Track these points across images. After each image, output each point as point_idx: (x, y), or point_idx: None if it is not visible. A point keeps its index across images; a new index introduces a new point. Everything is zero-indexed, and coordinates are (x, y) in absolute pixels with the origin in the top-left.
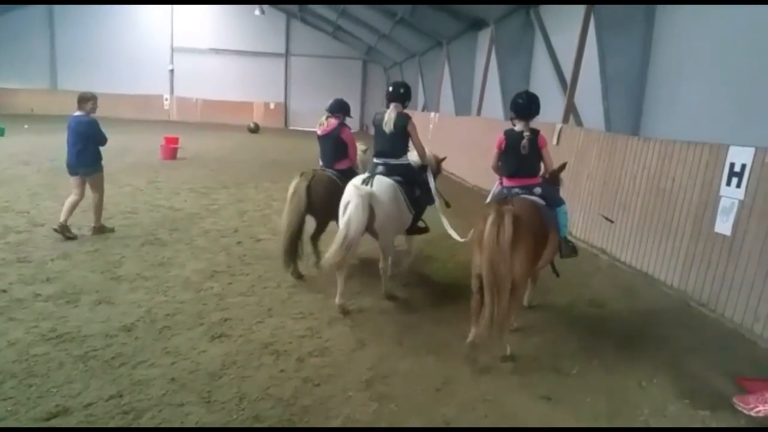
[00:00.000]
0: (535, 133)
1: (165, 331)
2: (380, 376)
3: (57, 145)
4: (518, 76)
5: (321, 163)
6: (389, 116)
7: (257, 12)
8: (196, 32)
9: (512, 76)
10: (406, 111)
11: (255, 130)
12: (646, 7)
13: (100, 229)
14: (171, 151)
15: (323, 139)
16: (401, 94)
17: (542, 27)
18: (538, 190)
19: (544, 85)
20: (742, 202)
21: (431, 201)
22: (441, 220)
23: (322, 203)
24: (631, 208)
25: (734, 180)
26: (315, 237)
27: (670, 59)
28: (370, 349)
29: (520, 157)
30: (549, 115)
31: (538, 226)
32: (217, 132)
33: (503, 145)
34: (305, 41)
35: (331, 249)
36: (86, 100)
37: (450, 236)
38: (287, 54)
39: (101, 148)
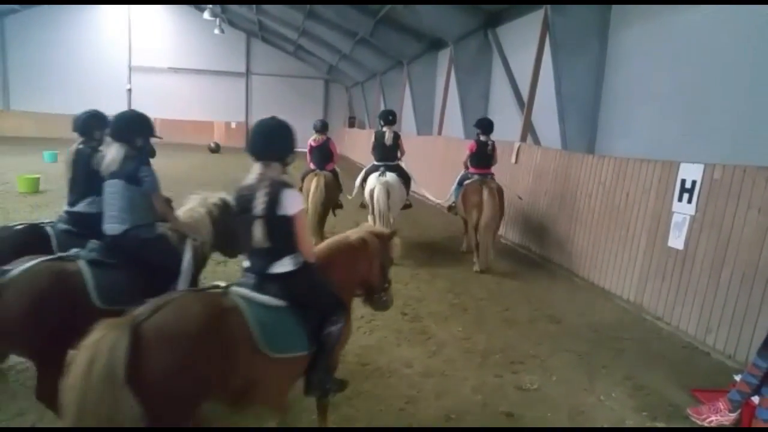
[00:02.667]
0: (493, 141)
1: None
2: (344, 398)
3: (9, 167)
4: (477, 96)
5: (313, 166)
6: (388, 134)
7: (216, 31)
8: (154, 51)
9: (472, 96)
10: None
11: (216, 149)
12: (599, 30)
13: None
14: None
15: (317, 149)
16: (392, 120)
17: (500, 48)
18: (492, 175)
19: (502, 104)
20: (693, 217)
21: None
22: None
23: (330, 193)
24: (587, 224)
25: (685, 195)
26: (321, 224)
27: (622, 79)
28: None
29: (486, 156)
30: (507, 134)
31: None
32: (177, 152)
33: (474, 149)
34: (266, 60)
35: (369, 220)
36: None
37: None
38: (248, 73)
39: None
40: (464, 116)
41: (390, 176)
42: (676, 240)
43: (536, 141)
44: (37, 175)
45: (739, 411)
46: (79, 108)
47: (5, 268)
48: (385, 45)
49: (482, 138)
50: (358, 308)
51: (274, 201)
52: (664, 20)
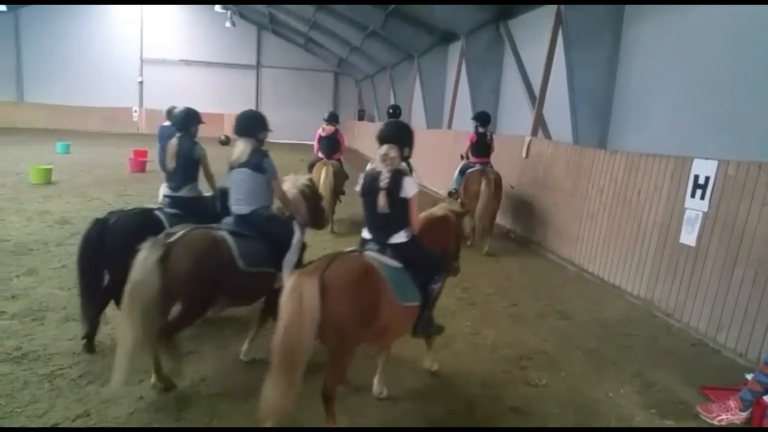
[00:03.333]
0: (491, 132)
1: None
2: (351, 392)
3: (23, 158)
4: (488, 90)
5: (321, 155)
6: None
7: (228, 24)
8: (166, 44)
9: (482, 90)
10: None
11: (226, 142)
12: (612, 24)
13: None
14: (140, 164)
15: (326, 139)
16: (398, 113)
17: (512, 41)
18: (491, 164)
19: (513, 98)
20: (706, 214)
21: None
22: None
23: (337, 181)
24: (598, 220)
25: (698, 192)
26: (332, 210)
27: (635, 74)
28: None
29: (485, 146)
30: (518, 128)
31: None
32: None
33: (474, 140)
34: (276, 53)
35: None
36: (172, 112)
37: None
38: (258, 66)
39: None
40: (474, 110)
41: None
42: (689, 236)
43: (547, 135)
44: (49, 166)
45: (750, 410)
46: (92, 100)
47: (171, 231)
48: (395, 38)
49: (481, 130)
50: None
51: (398, 181)
52: (677, 16)
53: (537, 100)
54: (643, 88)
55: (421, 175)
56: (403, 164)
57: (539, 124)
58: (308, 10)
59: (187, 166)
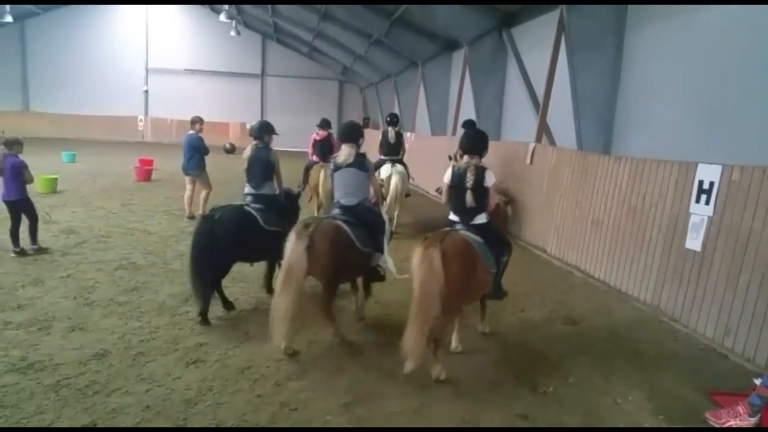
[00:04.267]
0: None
1: (139, 358)
2: (358, 399)
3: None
4: (492, 96)
5: (317, 159)
6: (392, 133)
7: (233, 33)
8: (171, 53)
9: (486, 96)
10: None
11: (231, 150)
12: (615, 28)
13: (191, 217)
14: (145, 173)
15: (320, 143)
16: (395, 121)
17: (515, 48)
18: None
19: (516, 104)
20: (711, 219)
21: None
22: None
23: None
24: (603, 226)
25: (703, 197)
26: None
27: (639, 80)
28: (348, 372)
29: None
30: (522, 134)
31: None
32: None
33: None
34: (281, 62)
35: (387, 203)
36: (195, 122)
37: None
38: (263, 74)
39: (205, 157)
40: (479, 117)
41: (400, 167)
42: (694, 242)
43: (551, 141)
44: (55, 176)
45: (759, 415)
46: (97, 109)
47: (307, 221)
48: (399, 46)
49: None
50: (373, 309)
51: (480, 178)
52: (681, 20)
53: (540, 107)
54: (647, 93)
55: (416, 176)
56: (399, 166)
57: (543, 130)
58: (312, 19)
59: (264, 169)
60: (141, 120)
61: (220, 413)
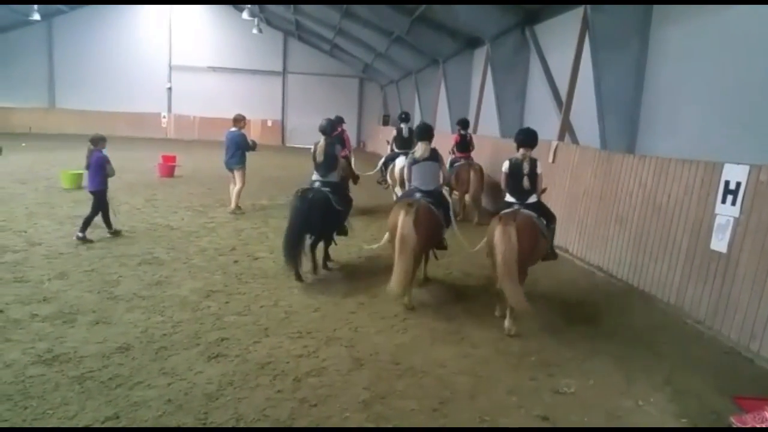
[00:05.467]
0: (470, 134)
1: (162, 352)
2: (377, 397)
3: (54, 163)
4: (514, 94)
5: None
6: (405, 129)
7: (255, 30)
8: (194, 51)
9: (508, 94)
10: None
11: (253, 147)
12: (640, 27)
13: (238, 208)
14: (168, 169)
15: (336, 137)
16: (407, 118)
17: (537, 46)
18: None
19: (539, 103)
20: (737, 220)
21: None
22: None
23: (350, 173)
24: (626, 226)
25: (729, 197)
26: None
27: (664, 78)
28: (367, 369)
29: (467, 144)
30: (544, 133)
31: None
32: (214, 150)
33: (459, 140)
34: (302, 59)
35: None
36: (239, 120)
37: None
38: (284, 72)
39: (247, 153)
40: (500, 115)
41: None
42: (719, 243)
43: (574, 140)
44: (80, 171)
45: None
46: (121, 106)
47: (410, 201)
48: (420, 43)
49: (463, 132)
50: (393, 307)
51: (534, 166)
52: (707, 18)
53: (564, 105)
54: (673, 92)
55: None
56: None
57: (566, 129)
58: (334, 16)
59: (331, 159)
60: (164, 117)
61: (240, 408)
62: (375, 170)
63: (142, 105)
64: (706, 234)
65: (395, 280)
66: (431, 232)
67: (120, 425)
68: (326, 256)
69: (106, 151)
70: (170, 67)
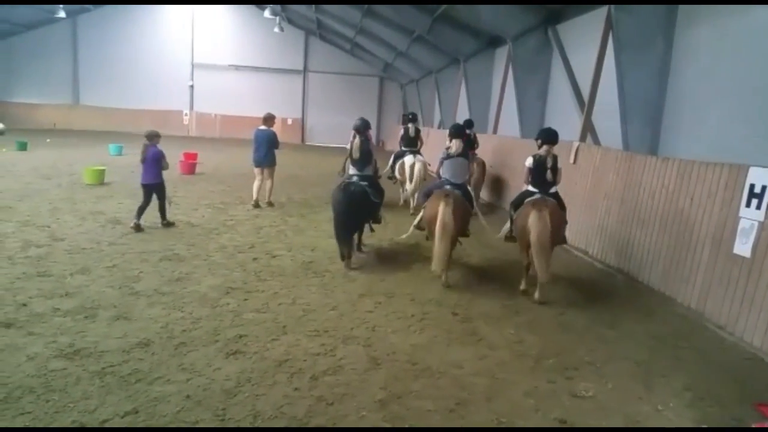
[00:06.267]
0: (474, 134)
1: (181, 348)
2: (394, 396)
3: (77, 159)
4: (535, 94)
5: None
6: (412, 129)
7: (276, 29)
8: (216, 49)
9: (529, 94)
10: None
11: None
12: (665, 28)
13: (270, 203)
14: (190, 167)
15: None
16: (414, 119)
17: (560, 45)
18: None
19: (561, 103)
20: (762, 224)
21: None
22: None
23: None
24: (648, 228)
25: (754, 201)
26: None
27: (688, 79)
28: (384, 368)
29: (470, 142)
30: (566, 133)
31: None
32: (235, 147)
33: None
34: (323, 58)
35: (411, 187)
36: (269, 119)
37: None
38: (305, 70)
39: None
40: (521, 115)
41: (420, 157)
42: (743, 247)
43: (596, 141)
44: (102, 168)
45: None
46: (144, 103)
47: (446, 191)
48: (441, 42)
49: (468, 131)
50: (410, 307)
51: (555, 161)
52: (733, 18)
53: (586, 105)
54: (697, 93)
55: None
56: (420, 156)
57: (588, 130)
58: (356, 15)
59: (366, 155)
60: (186, 114)
61: (258, 405)
62: (387, 168)
63: (164, 103)
64: (729, 238)
65: (437, 262)
66: (464, 220)
67: (139, 420)
68: (360, 242)
69: (160, 146)
70: (192, 65)
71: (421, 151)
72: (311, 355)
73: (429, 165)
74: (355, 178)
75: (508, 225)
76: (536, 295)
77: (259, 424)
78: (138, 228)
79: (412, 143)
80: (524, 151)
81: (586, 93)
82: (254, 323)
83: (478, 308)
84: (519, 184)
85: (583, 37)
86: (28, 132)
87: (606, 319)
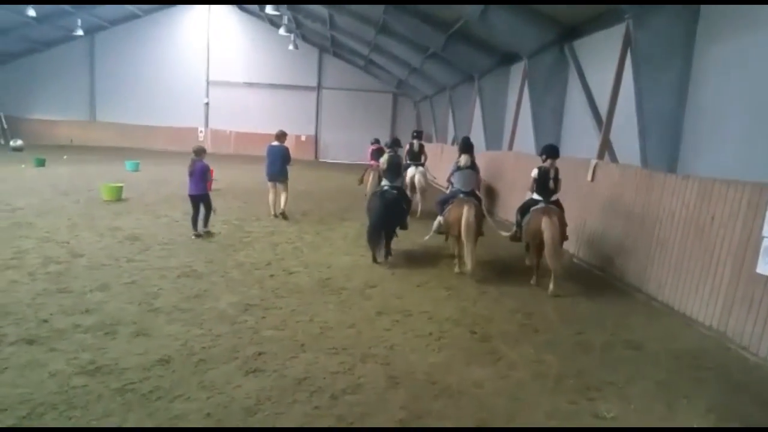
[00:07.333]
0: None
1: (201, 365)
2: (414, 416)
3: (94, 175)
4: (551, 111)
5: (372, 161)
6: (416, 145)
7: (291, 47)
8: (231, 66)
9: (545, 111)
10: (423, 142)
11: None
12: (684, 44)
13: (284, 215)
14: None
15: (375, 152)
16: (419, 136)
17: (576, 62)
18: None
19: (577, 120)
20: None
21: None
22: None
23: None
24: (668, 247)
25: None
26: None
27: (709, 96)
28: (403, 387)
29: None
30: (582, 151)
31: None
32: (250, 164)
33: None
34: (337, 74)
35: (417, 198)
36: (281, 135)
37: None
38: (319, 87)
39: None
40: (536, 132)
41: (422, 169)
42: (767, 267)
43: (613, 158)
44: (120, 184)
45: None
46: (159, 120)
47: (464, 199)
48: (456, 59)
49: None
50: (427, 325)
51: (557, 172)
52: (753, 34)
53: (604, 123)
54: (717, 110)
55: (433, 174)
56: (421, 168)
57: (606, 147)
58: (370, 32)
59: (396, 169)
60: (201, 131)
61: (278, 423)
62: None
63: (179, 119)
64: (752, 257)
65: (469, 260)
66: (480, 222)
67: None
68: (389, 248)
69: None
70: (208, 83)
71: (432, 164)
72: (330, 374)
73: (428, 174)
74: (387, 188)
75: (514, 227)
76: (551, 287)
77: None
78: (198, 236)
79: (416, 157)
80: (512, 164)
81: (602, 110)
82: (273, 341)
83: (496, 327)
84: (507, 192)
85: (600, 53)
86: (46, 148)
87: (626, 338)
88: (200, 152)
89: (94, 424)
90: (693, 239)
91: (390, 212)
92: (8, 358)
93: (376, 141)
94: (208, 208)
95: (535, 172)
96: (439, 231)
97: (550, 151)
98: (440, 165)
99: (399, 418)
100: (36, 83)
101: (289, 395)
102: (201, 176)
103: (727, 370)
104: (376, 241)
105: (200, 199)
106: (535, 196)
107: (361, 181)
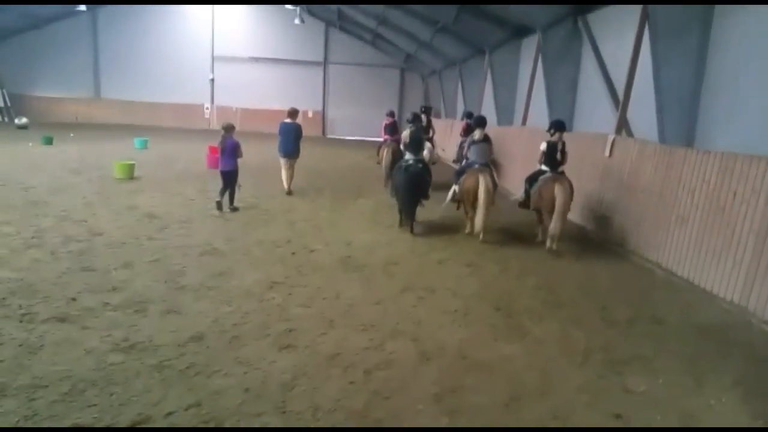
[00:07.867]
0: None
1: (234, 341)
2: (447, 391)
3: (103, 153)
4: (565, 86)
5: (386, 136)
6: (425, 120)
7: (297, 21)
8: (236, 42)
9: (558, 86)
10: (431, 117)
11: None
12: (703, 15)
13: (290, 191)
14: (217, 161)
15: (389, 126)
16: (427, 112)
17: (591, 36)
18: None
19: (592, 94)
20: None
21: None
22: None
23: (396, 155)
24: (688, 223)
25: None
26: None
27: (727, 68)
28: (434, 362)
29: (472, 130)
30: (596, 125)
31: None
32: (257, 140)
33: (465, 126)
34: (344, 49)
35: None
36: (293, 113)
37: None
38: (326, 62)
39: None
40: (550, 106)
41: (428, 144)
42: None
43: (629, 133)
44: (132, 162)
45: None
46: (165, 96)
47: (478, 169)
48: (467, 33)
49: (469, 121)
50: (452, 302)
51: (564, 146)
52: None
53: (622, 97)
54: (736, 83)
55: (439, 150)
56: (428, 144)
57: (623, 122)
58: (378, 6)
59: (420, 143)
60: (207, 108)
61: (316, 398)
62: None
63: (185, 96)
64: None
65: (479, 224)
66: (494, 189)
67: (203, 412)
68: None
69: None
70: (213, 58)
71: (441, 140)
72: (361, 350)
73: (443, 150)
74: (411, 161)
75: (522, 193)
76: (549, 244)
77: (319, 416)
78: (219, 206)
79: (424, 132)
80: (512, 139)
81: (618, 84)
82: (301, 318)
83: (520, 303)
84: (509, 163)
85: (614, 27)
86: (51, 126)
87: (649, 313)
88: (230, 129)
89: (134, 400)
90: (714, 216)
91: (416, 184)
92: (43, 336)
93: (391, 113)
94: (234, 184)
95: (543, 146)
96: (454, 199)
97: (558, 126)
98: (449, 141)
99: (433, 392)
100: (39, 60)
101: (324, 371)
102: (232, 152)
103: (751, 344)
104: (410, 214)
105: (231, 175)
106: (543, 167)
107: (380, 160)
